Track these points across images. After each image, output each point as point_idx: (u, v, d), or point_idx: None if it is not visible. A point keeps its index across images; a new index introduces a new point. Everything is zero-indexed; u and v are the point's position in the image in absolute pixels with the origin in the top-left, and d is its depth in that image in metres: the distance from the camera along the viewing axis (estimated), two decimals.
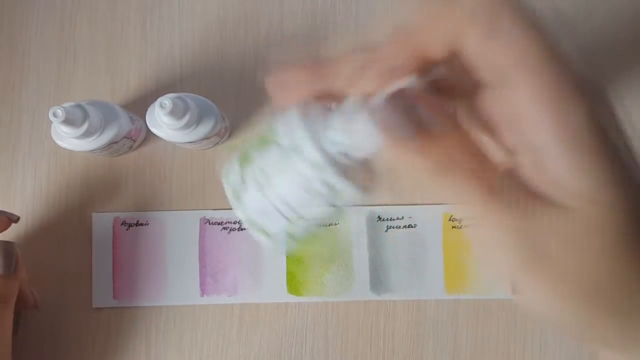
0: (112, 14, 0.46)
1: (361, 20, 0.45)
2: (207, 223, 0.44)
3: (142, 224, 0.44)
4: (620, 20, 0.45)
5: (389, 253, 0.43)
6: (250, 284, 0.43)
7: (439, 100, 0.19)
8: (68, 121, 0.36)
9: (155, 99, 0.36)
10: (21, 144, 0.45)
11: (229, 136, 0.45)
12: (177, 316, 0.44)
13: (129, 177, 0.45)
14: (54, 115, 0.35)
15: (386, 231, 0.43)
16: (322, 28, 0.45)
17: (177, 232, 0.44)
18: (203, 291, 0.43)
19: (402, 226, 0.43)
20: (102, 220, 0.44)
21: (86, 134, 0.38)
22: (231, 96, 0.44)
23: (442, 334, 0.43)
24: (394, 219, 0.43)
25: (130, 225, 0.44)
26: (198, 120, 0.38)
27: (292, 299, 0.43)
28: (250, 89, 0.45)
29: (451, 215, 0.43)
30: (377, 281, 0.43)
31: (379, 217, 0.43)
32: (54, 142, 0.39)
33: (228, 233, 0.44)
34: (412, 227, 0.43)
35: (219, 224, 0.44)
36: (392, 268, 0.43)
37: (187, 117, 0.37)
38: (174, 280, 0.44)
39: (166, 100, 0.35)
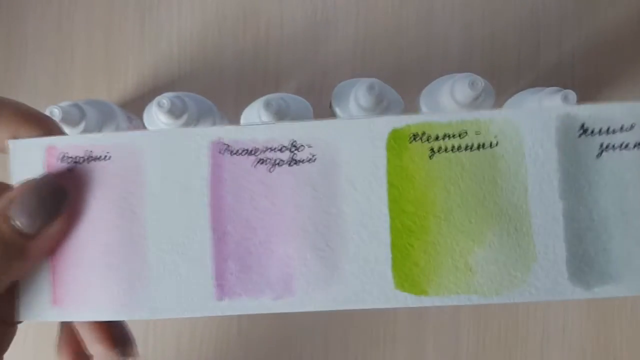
0: (110, 13, 0.45)
1: (361, 19, 0.45)
2: (226, 152, 0.21)
3: (98, 158, 0.22)
4: (621, 18, 0.45)
5: (606, 200, 0.21)
6: (320, 274, 0.23)
7: None
8: (65, 121, 0.35)
9: (153, 98, 0.35)
10: None
11: None
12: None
13: None
14: (51, 114, 0.35)
15: (599, 155, 0.21)
16: (321, 26, 0.45)
17: (166, 169, 0.22)
18: (221, 290, 0.22)
19: (631, 144, 0.21)
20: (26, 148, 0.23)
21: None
22: (230, 95, 0.44)
23: (443, 336, 0.42)
24: (613, 131, 0.21)
25: (76, 162, 0.23)
26: (196, 120, 0.38)
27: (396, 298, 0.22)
28: (249, 88, 0.44)
29: None
30: (584, 262, 0.21)
31: (582, 126, 0.21)
32: None
33: (269, 171, 0.21)
34: None
35: (247, 152, 0.21)
36: (615, 231, 0.21)
37: (185, 117, 0.36)
38: (162, 272, 0.21)
39: (164, 99, 0.35)
